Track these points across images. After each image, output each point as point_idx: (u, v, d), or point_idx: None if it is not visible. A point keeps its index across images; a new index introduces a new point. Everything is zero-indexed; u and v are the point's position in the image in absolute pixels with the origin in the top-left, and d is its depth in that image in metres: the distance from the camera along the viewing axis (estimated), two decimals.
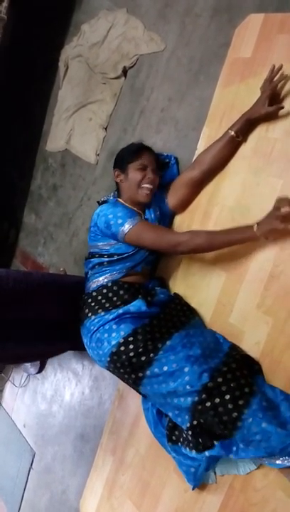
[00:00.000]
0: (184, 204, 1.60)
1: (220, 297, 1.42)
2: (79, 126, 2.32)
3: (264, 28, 1.42)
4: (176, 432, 1.38)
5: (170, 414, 1.31)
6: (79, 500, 1.95)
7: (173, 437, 1.38)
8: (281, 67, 1.30)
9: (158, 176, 1.54)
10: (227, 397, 1.16)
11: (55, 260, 2.48)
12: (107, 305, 1.43)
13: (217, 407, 1.16)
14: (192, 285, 1.52)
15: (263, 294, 1.28)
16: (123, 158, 1.55)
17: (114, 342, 1.34)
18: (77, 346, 1.62)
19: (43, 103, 2.58)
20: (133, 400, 1.70)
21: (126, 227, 1.41)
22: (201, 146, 1.58)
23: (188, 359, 1.24)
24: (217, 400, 1.16)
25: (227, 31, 1.56)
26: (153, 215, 1.54)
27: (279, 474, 1.16)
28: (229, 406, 1.15)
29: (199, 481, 1.33)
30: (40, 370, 2.42)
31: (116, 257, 1.49)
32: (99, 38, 2.24)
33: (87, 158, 2.25)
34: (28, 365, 2.44)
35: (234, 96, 1.48)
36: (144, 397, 1.43)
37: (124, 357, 1.31)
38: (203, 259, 1.49)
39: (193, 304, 1.51)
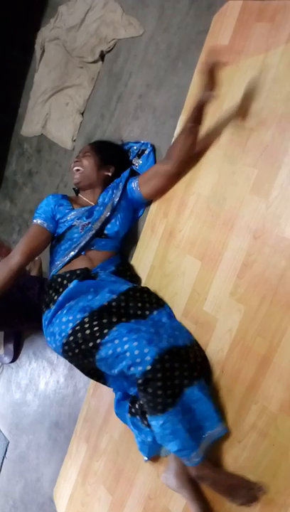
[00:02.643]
0: (158, 193, 1.61)
1: (195, 285, 1.43)
2: (55, 111, 2.28)
3: (242, 15, 1.41)
4: (136, 405, 1.41)
5: (129, 389, 1.37)
6: (54, 488, 1.96)
7: (133, 410, 1.43)
8: (218, 51, 1.29)
9: (90, 161, 1.65)
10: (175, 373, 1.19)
11: None
12: (53, 295, 1.45)
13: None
14: (169, 273, 1.53)
15: (236, 283, 1.29)
16: None
17: (63, 334, 1.35)
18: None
19: (19, 85, 2.51)
20: (108, 388, 1.70)
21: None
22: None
23: (133, 339, 1.22)
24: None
25: (207, 18, 1.54)
26: (107, 200, 1.61)
27: (249, 458, 1.18)
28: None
29: (151, 454, 1.41)
30: (14, 359, 2.40)
31: (54, 241, 1.61)
32: (76, 21, 2.19)
33: (63, 143, 2.21)
34: (1, 354, 2.41)
35: None
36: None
37: (73, 345, 1.32)
38: (179, 246, 1.49)
39: (169, 292, 1.51)
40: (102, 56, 2.03)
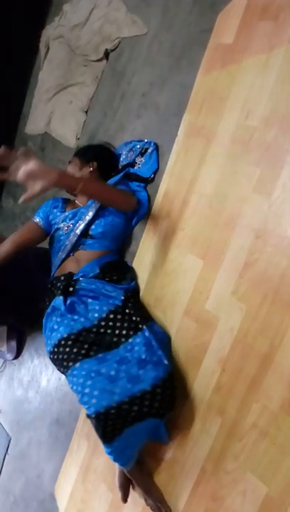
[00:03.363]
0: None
1: (197, 284, 1.43)
2: (59, 109, 2.28)
3: (247, 14, 1.41)
4: None
5: None
6: (54, 484, 1.96)
7: None
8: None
9: (73, 166, 1.75)
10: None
11: None
12: (47, 300, 1.56)
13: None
14: (171, 272, 1.53)
15: (238, 281, 1.29)
16: None
17: (52, 342, 1.45)
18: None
19: (23, 83, 2.52)
20: None
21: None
22: (181, 133, 1.57)
23: (87, 385, 1.30)
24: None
25: (210, 16, 1.54)
26: (90, 202, 1.66)
27: (250, 456, 1.19)
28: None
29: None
30: (16, 356, 2.41)
31: (49, 244, 1.72)
32: (81, 19, 2.19)
33: (66, 142, 2.21)
34: (4, 350, 2.42)
35: (214, 82, 1.47)
36: None
37: (55, 357, 1.43)
38: (181, 245, 1.50)
39: (170, 291, 1.52)
40: (106, 54, 2.04)
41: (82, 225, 1.61)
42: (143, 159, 1.71)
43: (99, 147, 1.86)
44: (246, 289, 1.27)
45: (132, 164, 1.76)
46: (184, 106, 1.59)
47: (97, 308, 1.48)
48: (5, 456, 2.42)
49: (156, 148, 1.69)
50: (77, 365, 1.35)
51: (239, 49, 1.42)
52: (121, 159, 1.80)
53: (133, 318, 1.45)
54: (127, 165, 1.77)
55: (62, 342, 1.41)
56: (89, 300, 1.50)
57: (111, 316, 1.45)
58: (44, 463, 2.11)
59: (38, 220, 1.70)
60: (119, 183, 1.66)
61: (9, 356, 2.42)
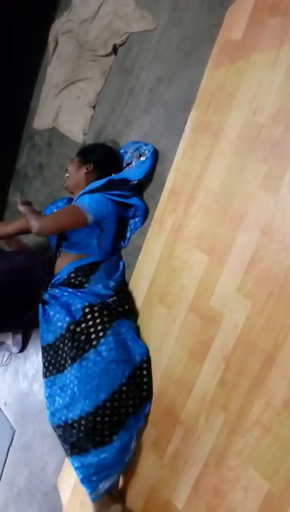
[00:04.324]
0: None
1: (202, 280, 1.43)
2: (67, 104, 2.28)
3: (256, 9, 1.40)
4: None
5: None
6: (58, 477, 1.98)
7: None
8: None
9: (73, 166, 1.84)
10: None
11: (40, 240, 2.46)
12: None
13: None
14: (176, 268, 1.53)
15: (243, 278, 1.29)
16: None
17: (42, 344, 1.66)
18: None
19: (31, 78, 2.52)
20: None
21: None
22: (189, 129, 1.57)
23: (49, 396, 1.60)
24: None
25: (219, 12, 1.53)
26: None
27: (252, 453, 1.19)
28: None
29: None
30: (22, 350, 2.43)
31: None
32: (89, 14, 2.18)
33: (74, 137, 2.22)
34: (9, 344, 2.44)
35: (223, 78, 1.47)
36: None
37: (43, 359, 1.65)
38: (187, 241, 1.50)
39: (175, 287, 1.52)
40: (115, 49, 2.03)
41: None
42: (137, 162, 1.72)
43: (100, 148, 1.87)
44: (252, 286, 1.27)
45: (129, 164, 1.78)
46: (192, 102, 1.58)
47: (59, 324, 1.58)
48: (9, 448, 2.45)
49: (153, 156, 1.69)
50: (46, 378, 1.61)
51: (248, 45, 1.41)
52: (126, 158, 1.80)
53: (99, 320, 1.54)
54: (126, 166, 1.80)
55: (45, 349, 1.64)
56: (51, 313, 1.61)
57: (72, 327, 1.53)
58: (48, 455, 2.13)
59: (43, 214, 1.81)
60: (97, 191, 1.71)
61: (14, 349, 2.44)
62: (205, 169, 1.48)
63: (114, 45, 2.02)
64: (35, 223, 1.63)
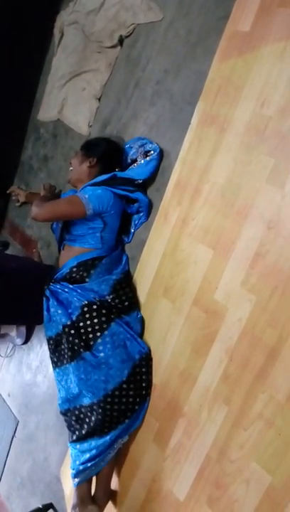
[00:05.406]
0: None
1: (207, 274, 1.43)
2: (72, 96, 2.27)
3: (264, 1, 1.38)
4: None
5: None
6: (60, 467, 2.00)
7: None
8: None
9: (76, 159, 1.84)
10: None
11: (44, 233, 2.46)
12: None
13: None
14: (181, 261, 1.53)
15: (248, 272, 1.29)
16: None
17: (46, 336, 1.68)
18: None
19: (37, 70, 2.51)
20: None
21: None
22: (195, 121, 1.56)
23: (59, 385, 1.63)
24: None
25: (227, 3, 1.51)
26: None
27: (255, 446, 1.20)
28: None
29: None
30: (26, 341, 2.44)
31: None
32: (96, 5, 2.16)
33: (79, 129, 2.21)
34: (14, 335, 2.45)
35: (231, 70, 1.45)
36: None
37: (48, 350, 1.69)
38: (192, 234, 1.49)
39: (180, 280, 1.52)
40: (121, 41, 2.01)
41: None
42: (142, 161, 1.70)
43: (104, 142, 1.85)
44: (257, 280, 1.26)
45: (134, 160, 1.76)
46: (198, 94, 1.57)
47: (57, 323, 1.61)
48: (12, 438, 2.47)
49: (159, 156, 1.68)
50: (54, 370, 1.64)
51: (256, 37, 1.39)
52: (131, 153, 1.79)
53: (100, 318, 1.57)
54: (131, 162, 1.79)
55: (50, 341, 1.65)
56: (52, 309, 1.62)
57: (66, 329, 1.57)
58: (51, 446, 2.15)
59: None
60: (100, 185, 1.70)
61: (18, 341, 2.46)
62: (211, 162, 1.47)
63: (120, 36, 2.00)
64: (33, 209, 1.67)
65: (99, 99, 2.11)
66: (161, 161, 1.69)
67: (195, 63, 1.63)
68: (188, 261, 1.50)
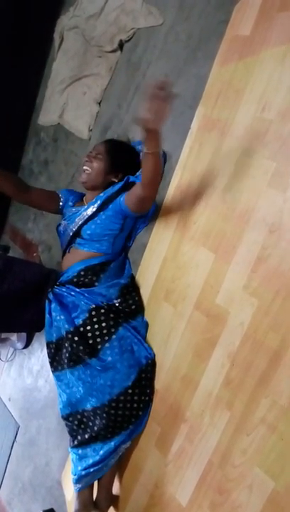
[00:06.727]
0: (141, 209, 1.60)
1: (208, 278, 1.43)
2: (72, 100, 2.28)
3: (265, 4, 1.39)
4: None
5: None
6: (62, 472, 1.99)
7: None
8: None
9: (100, 165, 1.66)
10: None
11: (45, 237, 2.46)
12: None
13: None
14: (182, 265, 1.53)
15: (250, 276, 1.28)
16: None
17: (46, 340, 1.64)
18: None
19: (37, 74, 2.51)
20: None
21: None
22: (195, 125, 1.56)
23: (60, 390, 1.60)
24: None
25: (228, 7, 1.52)
26: (95, 206, 1.65)
27: (258, 451, 1.19)
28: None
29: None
30: (26, 345, 2.43)
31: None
32: (96, 10, 2.17)
33: (79, 133, 2.21)
34: (14, 340, 2.45)
35: (231, 75, 1.46)
36: None
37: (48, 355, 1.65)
38: (193, 238, 1.49)
39: (181, 284, 1.51)
40: (121, 45, 2.02)
41: (76, 227, 1.68)
42: None
43: (131, 156, 1.74)
44: (259, 284, 1.26)
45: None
46: (199, 97, 1.57)
47: (59, 328, 1.57)
48: (13, 443, 2.46)
49: (164, 159, 1.65)
50: (55, 373, 1.62)
51: (256, 41, 1.40)
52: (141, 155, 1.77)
53: (107, 322, 1.54)
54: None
55: (49, 345, 1.61)
56: (54, 314, 1.59)
57: (70, 336, 1.54)
58: (52, 451, 2.14)
59: (60, 194, 1.84)
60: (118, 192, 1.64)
61: (19, 345, 2.45)
62: (212, 166, 1.47)
63: (121, 40, 2.01)
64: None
65: (99, 104, 2.11)
66: (166, 163, 1.68)
67: (196, 67, 1.63)
68: (190, 265, 1.50)
